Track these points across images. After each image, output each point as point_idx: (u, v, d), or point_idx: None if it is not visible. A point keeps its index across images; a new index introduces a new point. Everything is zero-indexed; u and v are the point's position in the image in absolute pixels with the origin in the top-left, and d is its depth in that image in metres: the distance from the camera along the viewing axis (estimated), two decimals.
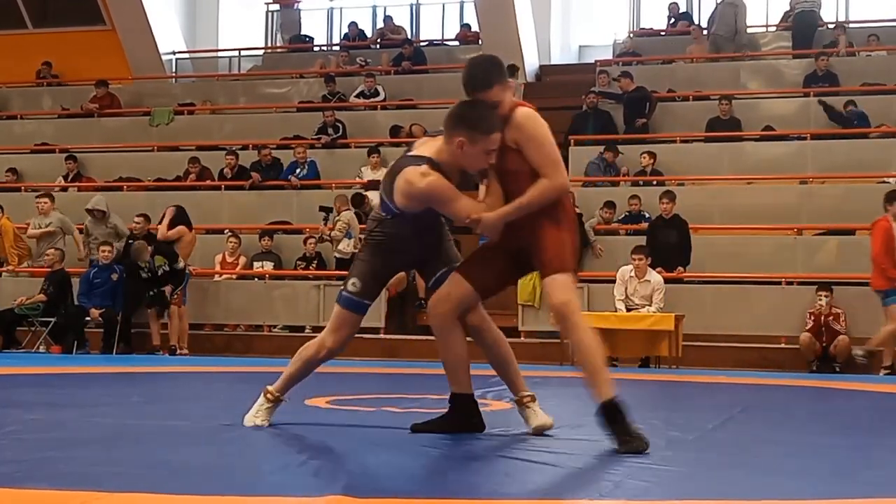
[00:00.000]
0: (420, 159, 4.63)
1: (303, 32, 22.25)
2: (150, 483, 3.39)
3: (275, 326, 14.14)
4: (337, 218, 14.31)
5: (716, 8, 18.34)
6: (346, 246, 14.17)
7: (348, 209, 14.38)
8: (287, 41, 22.36)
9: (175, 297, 13.27)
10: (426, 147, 4.73)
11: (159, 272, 13.23)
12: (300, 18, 22.46)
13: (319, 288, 13.91)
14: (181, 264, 13.36)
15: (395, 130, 17.06)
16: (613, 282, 12.46)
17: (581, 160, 15.63)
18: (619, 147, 15.96)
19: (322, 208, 14.68)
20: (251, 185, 15.97)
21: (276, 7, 22.52)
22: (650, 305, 12.21)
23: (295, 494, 3.27)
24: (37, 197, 15.06)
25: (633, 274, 12.40)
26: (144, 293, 13.34)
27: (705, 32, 18.46)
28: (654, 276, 12.39)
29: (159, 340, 13.39)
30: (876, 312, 12.24)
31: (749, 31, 18.62)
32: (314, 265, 14.35)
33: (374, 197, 15.08)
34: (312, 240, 14.47)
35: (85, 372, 10.06)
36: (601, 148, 15.57)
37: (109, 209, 14.39)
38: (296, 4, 22.46)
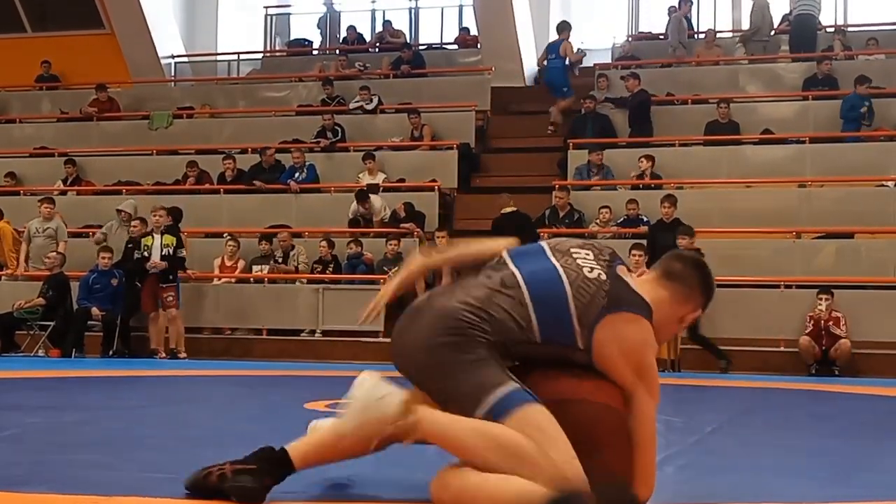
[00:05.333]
0: (644, 304, 3.27)
1: (302, 36, 22.26)
2: (149, 487, 3.39)
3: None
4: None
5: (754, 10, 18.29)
6: None
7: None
8: (286, 45, 22.39)
9: (171, 298, 13.29)
10: (641, 287, 3.35)
11: (163, 251, 13.25)
12: (339, 19, 22.43)
13: (319, 291, 13.93)
14: (184, 253, 13.44)
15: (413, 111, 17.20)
16: None
17: (580, 164, 15.66)
18: (619, 151, 15.99)
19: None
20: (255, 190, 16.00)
21: (296, 9, 22.66)
22: None
23: (295, 498, 3.27)
24: (40, 201, 15.04)
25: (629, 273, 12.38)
26: (137, 285, 13.35)
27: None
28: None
29: (157, 343, 13.39)
30: (877, 316, 12.26)
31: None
32: (330, 269, 14.34)
33: (375, 200, 15.09)
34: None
35: (84, 375, 10.05)
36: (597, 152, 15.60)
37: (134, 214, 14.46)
38: (333, 4, 22.40)
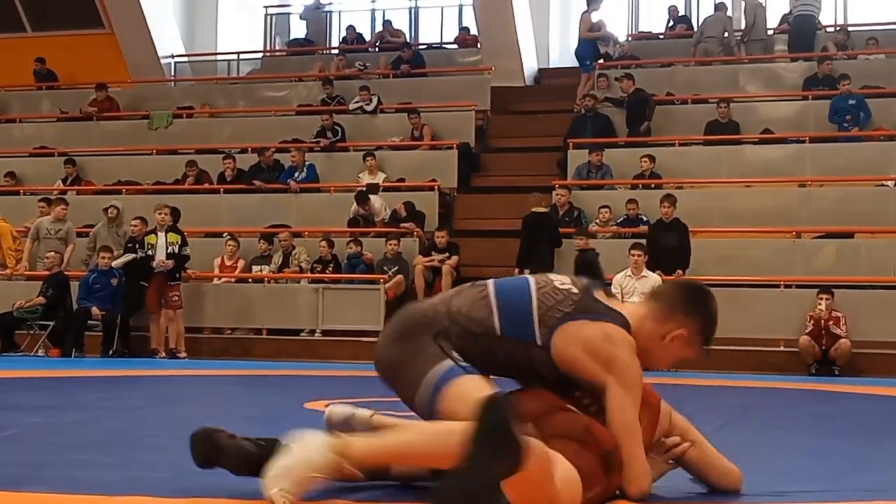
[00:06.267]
0: (618, 316, 3.34)
1: (302, 36, 22.25)
2: (149, 486, 3.39)
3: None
4: None
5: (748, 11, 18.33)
6: None
7: None
8: (286, 44, 22.39)
9: (176, 298, 13.31)
10: (620, 305, 3.44)
11: (168, 249, 13.25)
12: (328, 21, 22.45)
13: (318, 291, 13.93)
14: (188, 251, 13.43)
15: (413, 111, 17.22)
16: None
17: (580, 163, 15.66)
18: (619, 151, 15.98)
19: None
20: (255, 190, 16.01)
21: (296, 9, 22.62)
22: None
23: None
24: (54, 201, 14.96)
25: (629, 273, 12.41)
26: (142, 288, 13.36)
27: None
28: (652, 275, 12.42)
29: (158, 343, 13.40)
30: (877, 315, 12.24)
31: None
32: (330, 268, 14.33)
33: (374, 200, 15.08)
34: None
35: (84, 375, 10.05)
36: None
37: (122, 214, 14.48)
38: (326, 6, 22.40)
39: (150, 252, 13.34)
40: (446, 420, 3.12)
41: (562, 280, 3.40)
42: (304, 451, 3.01)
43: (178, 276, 13.43)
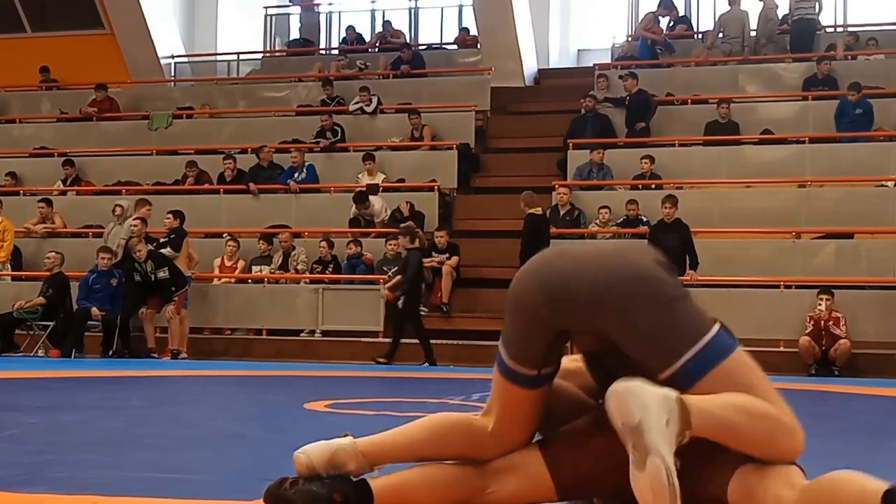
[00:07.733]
0: None
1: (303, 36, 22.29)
2: (149, 487, 3.39)
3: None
4: None
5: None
6: None
7: None
8: (286, 45, 22.40)
9: (174, 301, 13.31)
10: None
11: (152, 277, 13.27)
12: (319, 21, 22.51)
13: (318, 291, 13.93)
14: (166, 274, 13.36)
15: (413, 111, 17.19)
16: None
17: (580, 164, 15.67)
18: (619, 151, 15.98)
19: None
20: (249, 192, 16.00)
21: (294, 9, 22.61)
22: None
23: None
24: (48, 201, 14.96)
25: None
26: (142, 296, 13.40)
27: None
28: None
29: (155, 343, 13.40)
30: (877, 315, 12.23)
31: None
32: (330, 269, 14.33)
33: (374, 201, 15.08)
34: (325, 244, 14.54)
35: (84, 376, 10.06)
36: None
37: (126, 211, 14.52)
38: (316, 7, 22.45)
39: (152, 276, 13.37)
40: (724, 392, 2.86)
41: None
42: None
43: (173, 289, 13.40)
